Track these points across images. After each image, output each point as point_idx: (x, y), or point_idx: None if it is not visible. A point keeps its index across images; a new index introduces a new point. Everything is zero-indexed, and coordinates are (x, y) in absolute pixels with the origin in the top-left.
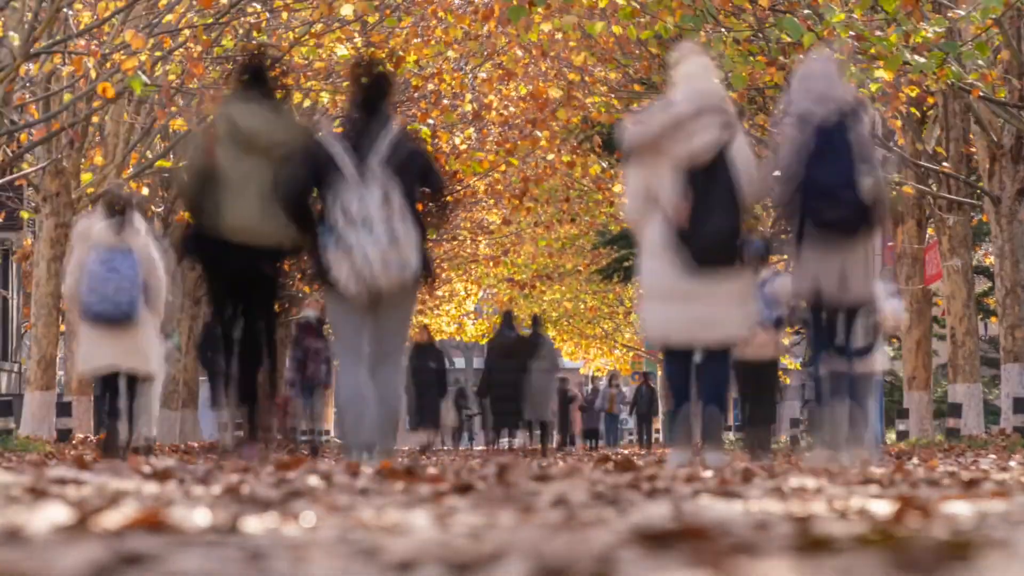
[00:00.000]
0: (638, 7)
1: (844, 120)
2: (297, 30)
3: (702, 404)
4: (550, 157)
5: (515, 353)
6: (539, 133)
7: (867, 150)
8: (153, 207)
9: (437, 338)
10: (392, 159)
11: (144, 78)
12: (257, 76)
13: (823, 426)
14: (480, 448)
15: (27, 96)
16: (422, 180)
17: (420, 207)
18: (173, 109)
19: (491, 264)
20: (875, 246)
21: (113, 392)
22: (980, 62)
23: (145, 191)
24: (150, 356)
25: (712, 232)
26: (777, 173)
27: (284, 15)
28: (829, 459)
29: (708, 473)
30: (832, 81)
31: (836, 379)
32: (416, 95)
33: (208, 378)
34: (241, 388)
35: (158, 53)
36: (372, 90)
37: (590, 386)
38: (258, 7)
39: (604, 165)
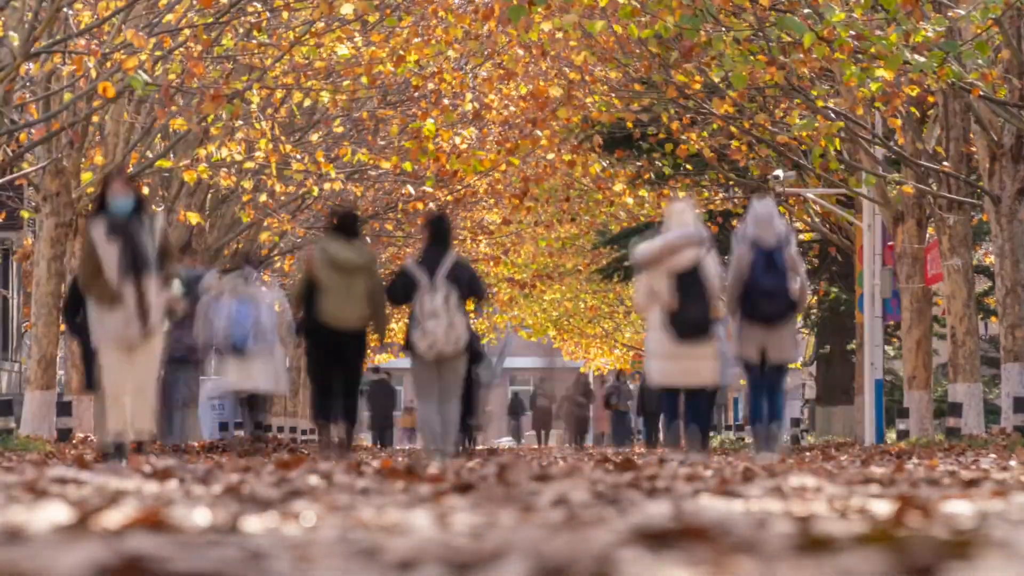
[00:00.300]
0: (638, 6)
1: (780, 245)
2: (297, 29)
3: (689, 423)
4: (550, 156)
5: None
6: (539, 132)
7: (795, 264)
8: (154, 206)
9: None
10: (450, 275)
11: (144, 77)
12: (343, 223)
13: (759, 435)
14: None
15: (27, 96)
16: (469, 287)
17: (469, 303)
18: (173, 108)
19: (491, 264)
20: (796, 325)
21: (241, 404)
22: (980, 61)
23: (145, 191)
24: (271, 377)
25: (691, 317)
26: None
27: (284, 14)
28: (765, 457)
29: (708, 472)
30: (773, 218)
31: (759, 406)
32: (416, 95)
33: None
34: (345, 414)
35: (158, 52)
36: (437, 231)
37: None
38: (258, 6)
39: (604, 164)
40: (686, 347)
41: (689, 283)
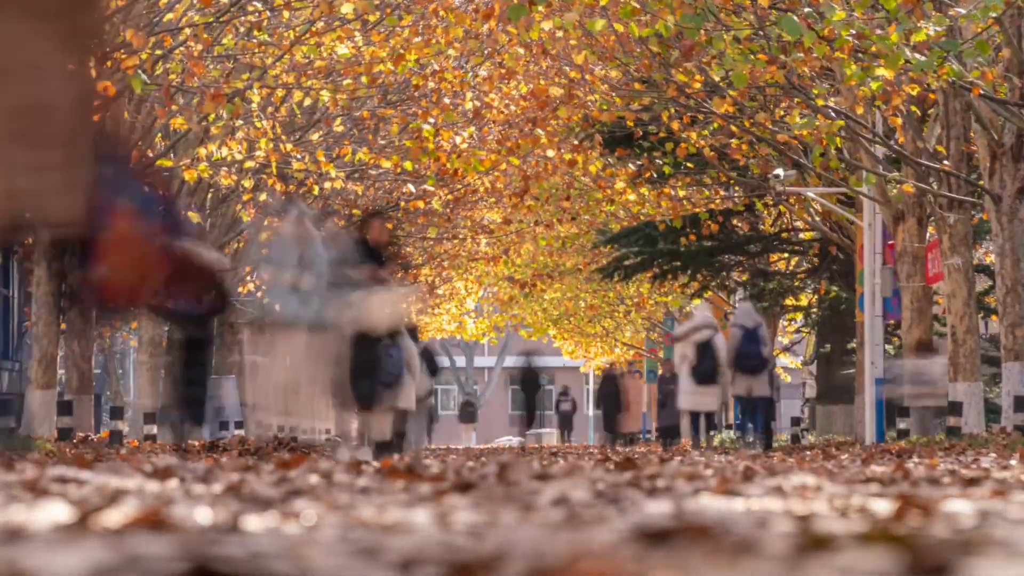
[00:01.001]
0: (639, 5)
1: (756, 328)
2: (298, 29)
3: (705, 431)
4: (550, 154)
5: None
6: (540, 132)
7: (765, 339)
8: None
9: (438, 336)
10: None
11: (144, 77)
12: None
13: (745, 439)
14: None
15: None
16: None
17: None
18: (174, 108)
19: (491, 263)
20: (768, 373)
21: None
22: (980, 60)
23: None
24: (412, 398)
25: (705, 370)
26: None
27: (285, 14)
28: (749, 453)
29: (709, 472)
30: (752, 312)
31: (747, 423)
32: (417, 94)
33: None
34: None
35: (159, 52)
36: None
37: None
38: (259, 5)
39: (605, 163)
40: (702, 387)
41: (705, 350)
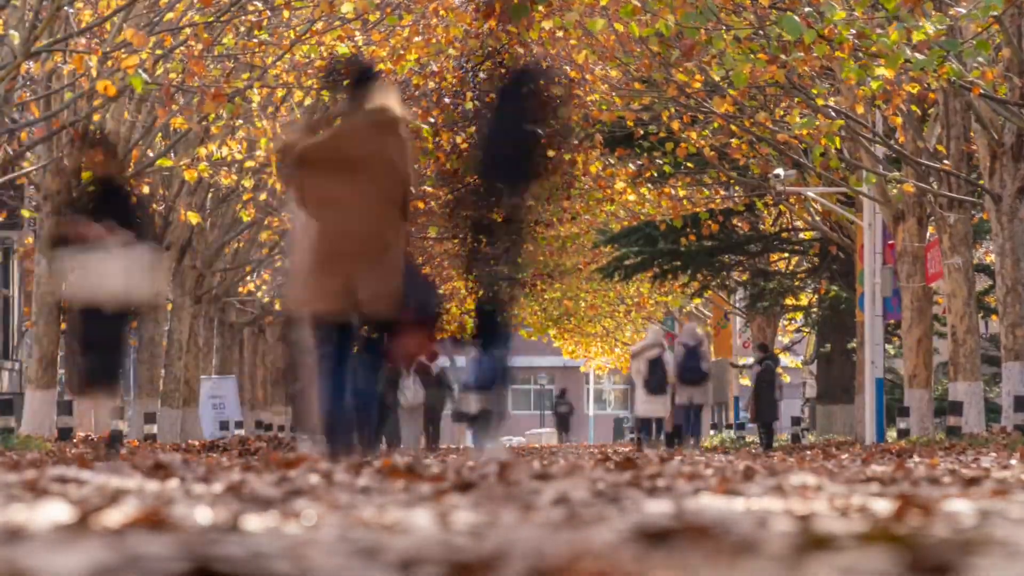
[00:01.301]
0: (639, 5)
1: (698, 345)
2: (298, 28)
3: (656, 435)
4: (550, 154)
5: None
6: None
7: (706, 355)
8: (155, 205)
9: (438, 337)
10: None
11: (145, 76)
12: None
13: (685, 441)
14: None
15: (28, 94)
16: None
17: None
18: (174, 107)
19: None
20: (707, 384)
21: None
22: (980, 60)
23: (146, 189)
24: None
25: (656, 382)
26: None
27: (285, 13)
28: (690, 451)
29: (709, 471)
30: (695, 332)
31: (687, 425)
32: (417, 94)
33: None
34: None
35: (159, 51)
36: None
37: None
38: (259, 5)
39: (606, 163)
40: (653, 397)
41: (655, 365)
